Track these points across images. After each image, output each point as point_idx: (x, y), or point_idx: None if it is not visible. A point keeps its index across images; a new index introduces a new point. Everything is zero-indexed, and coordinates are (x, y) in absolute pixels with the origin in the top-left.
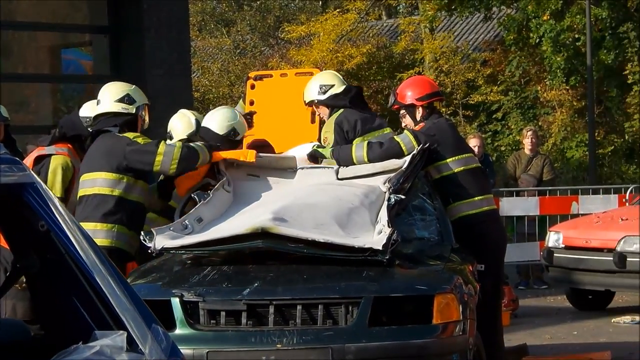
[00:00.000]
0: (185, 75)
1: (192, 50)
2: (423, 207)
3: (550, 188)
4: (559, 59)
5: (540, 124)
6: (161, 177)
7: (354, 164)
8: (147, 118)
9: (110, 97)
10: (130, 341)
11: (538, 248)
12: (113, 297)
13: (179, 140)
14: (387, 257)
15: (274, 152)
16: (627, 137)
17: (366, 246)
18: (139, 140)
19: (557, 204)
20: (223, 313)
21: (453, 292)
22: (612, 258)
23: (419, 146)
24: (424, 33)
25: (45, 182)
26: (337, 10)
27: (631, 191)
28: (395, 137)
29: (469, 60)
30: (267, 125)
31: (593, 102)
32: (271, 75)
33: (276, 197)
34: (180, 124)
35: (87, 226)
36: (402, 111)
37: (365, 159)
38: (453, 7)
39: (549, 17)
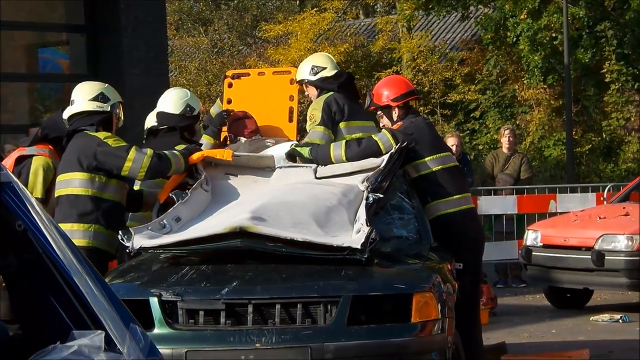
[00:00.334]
0: (162, 74)
1: (170, 49)
2: (401, 206)
3: (528, 187)
4: (536, 57)
5: (517, 122)
6: None
7: (332, 163)
8: (121, 116)
9: (83, 97)
10: (108, 341)
11: (516, 247)
12: (91, 297)
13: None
14: (366, 256)
15: (256, 124)
16: (604, 135)
17: (345, 245)
18: (110, 141)
19: (535, 202)
20: (202, 312)
21: (432, 290)
22: (590, 256)
23: (397, 145)
24: (402, 32)
25: (27, 183)
26: (315, 9)
27: (609, 189)
28: (373, 136)
29: (446, 59)
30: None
31: (570, 100)
32: (249, 74)
33: (254, 196)
34: (151, 116)
35: (65, 227)
36: (379, 112)
37: (344, 158)
38: (430, 6)
39: (526, 16)
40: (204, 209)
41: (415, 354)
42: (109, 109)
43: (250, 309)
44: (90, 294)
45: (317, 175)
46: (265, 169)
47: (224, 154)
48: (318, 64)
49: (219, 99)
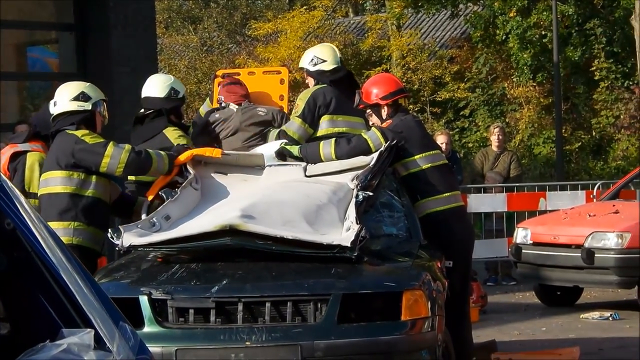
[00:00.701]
0: (152, 72)
1: (159, 47)
2: (391, 204)
3: (517, 185)
4: (525, 55)
5: (507, 120)
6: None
7: (322, 161)
8: (106, 114)
9: (65, 97)
10: (98, 339)
11: (506, 244)
12: (80, 295)
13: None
14: (356, 254)
15: (246, 89)
16: (594, 133)
17: (334, 243)
18: (87, 138)
19: (524, 200)
20: (192, 311)
21: (421, 288)
22: (580, 254)
23: (386, 143)
24: (391, 30)
25: (23, 179)
26: (304, 7)
27: (598, 187)
28: (362, 134)
29: (436, 57)
30: None
31: (560, 98)
32: (239, 74)
33: (244, 194)
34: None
35: None
36: (369, 110)
37: (333, 156)
38: (420, 4)
39: (515, 14)
40: (193, 207)
41: (405, 352)
42: (90, 108)
43: (240, 307)
44: (80, 292)
45: (307, 174)
46: (254, 167)
47: (213, 152)
48: (319, 55)
49: (208, 98)
